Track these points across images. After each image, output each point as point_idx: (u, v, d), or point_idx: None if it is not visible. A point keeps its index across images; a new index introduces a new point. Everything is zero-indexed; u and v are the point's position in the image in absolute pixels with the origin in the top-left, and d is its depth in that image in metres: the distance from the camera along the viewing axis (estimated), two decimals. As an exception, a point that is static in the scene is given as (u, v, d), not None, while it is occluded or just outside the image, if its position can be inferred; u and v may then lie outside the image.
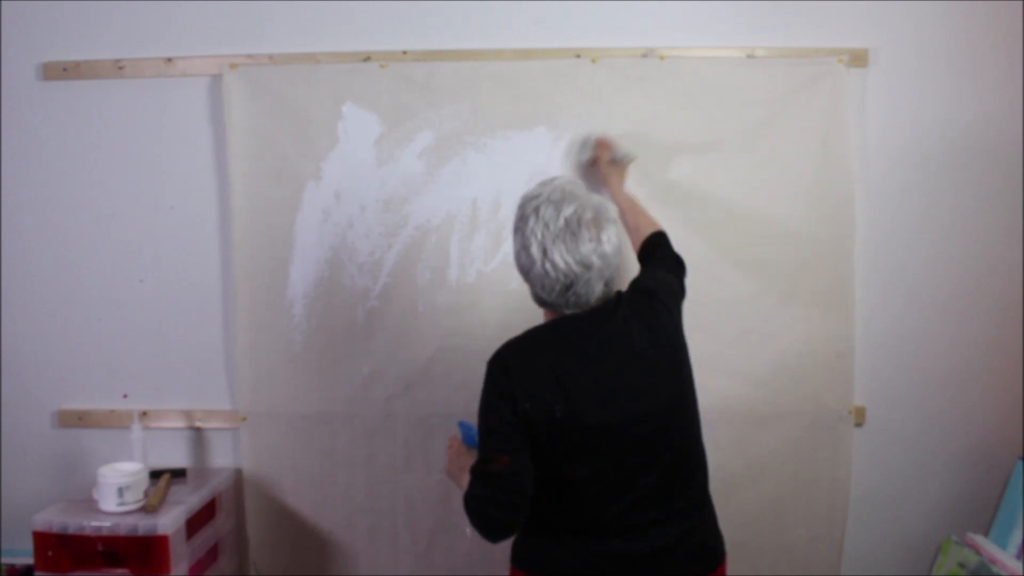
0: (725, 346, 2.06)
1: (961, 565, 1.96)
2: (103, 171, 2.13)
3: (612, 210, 1.42)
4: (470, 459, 1.53)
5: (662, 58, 2.04)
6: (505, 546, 2.11)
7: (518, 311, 2.06)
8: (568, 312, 1.41)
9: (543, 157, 2.05)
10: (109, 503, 1.86)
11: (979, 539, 1.99)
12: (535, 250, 1.37)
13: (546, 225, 1.37)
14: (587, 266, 1.36)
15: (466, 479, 1.45)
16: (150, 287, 2.15)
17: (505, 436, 1.36)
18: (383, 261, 2.08)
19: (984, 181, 2.08)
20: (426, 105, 2.05)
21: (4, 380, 2.20)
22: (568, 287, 1.37)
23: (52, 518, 1.84)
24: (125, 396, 2.18)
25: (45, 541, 1.84)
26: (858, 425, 2.11)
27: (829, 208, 2.05)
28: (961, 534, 2.02)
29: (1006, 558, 1.90)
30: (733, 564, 2.09)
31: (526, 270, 1.41)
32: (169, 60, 2.08)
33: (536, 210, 1.39)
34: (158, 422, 2.16)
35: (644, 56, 2.04)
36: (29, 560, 2.00)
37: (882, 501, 2.15)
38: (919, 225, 2.10)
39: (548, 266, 1.36)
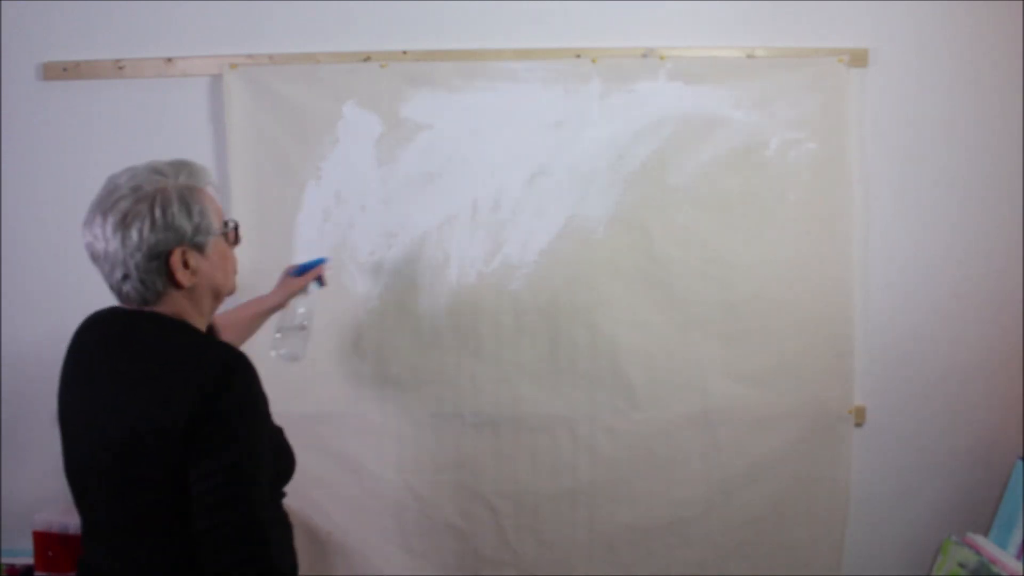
0: (725, 346, 2.06)
1: (961, 565, 1.96)
2: (103, 171, 2.09)
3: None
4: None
5: (662, 58, 2.04)
6: (502, 545, 2.12)
7: (519, 311, 2.07)
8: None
9: (543, 157, 2.05)
10: (109, 503, 1.86)
11: (979, 539, 1.99)
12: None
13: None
14: None
15: None
16: (150, 287, 2.15)
17: None
18: (383, 261, 2.08)
19: (984, 181, 2.08)
20: (426, 105, 2.05)
21: (4, 380, 2.19)
22: None
23: (52, 518, 1.84)
24: (125, 396, 2.17)
25: (45, 541, 1.84)
26: (858, 425, 2.11)
27: (829, 208, 2.05)
28: (961, 534, 2.02)
29: (1006, 558, 1.89)
30: (733, 564, 2.11)
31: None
32: (169, 60, 2.08)
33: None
34: (158, 422, 2.16)
35: (644, 56, 2.04)
36: (29, 560, 2.01)
37: (882, 501, 2.15)
38: (919, 225, 2.09)
39: None
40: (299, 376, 2.09)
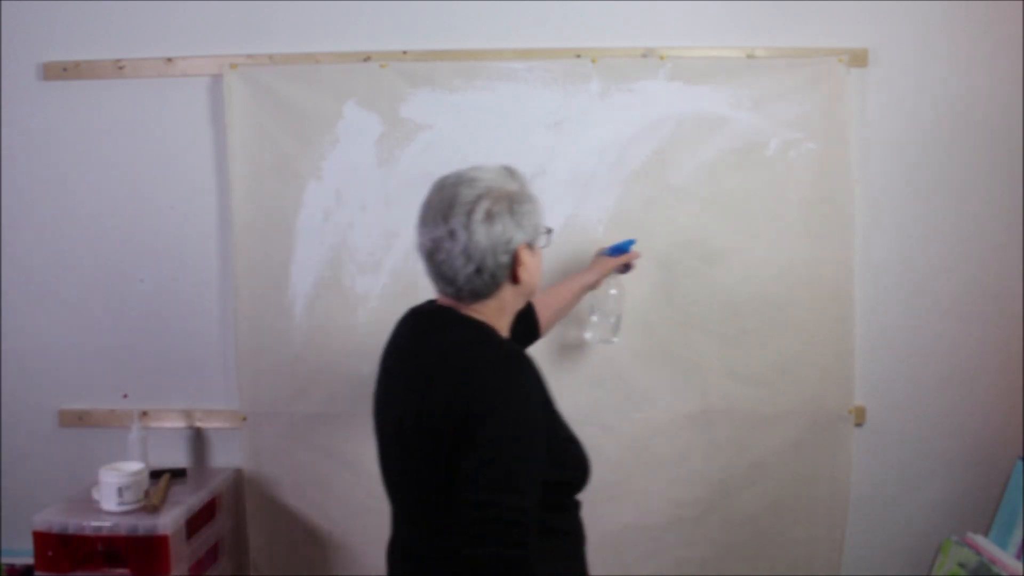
0: (725, 346, 2.06)
1: (961, 565, 1.96)
2: (103, 171, 2.13)
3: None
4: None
5: (662, 58, 2.04)
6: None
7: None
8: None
9: (543, 157, 2.05)
10: (109, 503, 1.86)
11: (979, 539, 1.99)
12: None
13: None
14: None
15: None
16: (150, 287, 2.15)
17: None
18: (383, 261, 2.08)
19: (984, 181, 2.08)
20: (426, 105, 2.05)
21: (4, 380, 2.20)
22: None
23: (52, 518, 1.84)
24: (125, 396, 2.18)
25: (45, 541, 1.84)
26: (858, 425, 2.11)
27: (829, 208, 2.05)
28: (961, 534, 2.02)
29: (1006, 558, 1.89)
30: (733, 564, 2.11)
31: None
32: (169, 60, 2.08)
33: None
34: (158, 422, 2.16)
35: (644, 56, 2.04)
36: (29, 560, 2.00)
37: (882, 501, 2.15)
38: (919, 225, 2.09)
39: None
40: (299, 376, 2.10)
